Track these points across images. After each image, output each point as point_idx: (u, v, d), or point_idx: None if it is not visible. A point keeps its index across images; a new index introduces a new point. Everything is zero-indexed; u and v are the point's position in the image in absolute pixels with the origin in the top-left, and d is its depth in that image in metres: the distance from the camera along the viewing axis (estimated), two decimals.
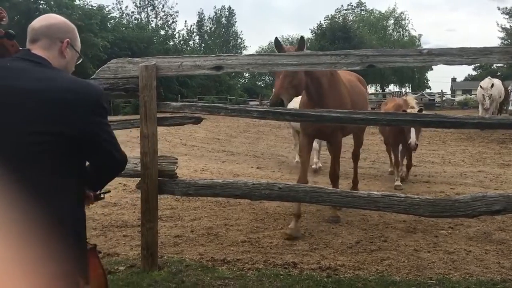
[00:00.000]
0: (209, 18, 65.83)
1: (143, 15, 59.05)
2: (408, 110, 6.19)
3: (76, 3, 36.49)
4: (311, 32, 53.41)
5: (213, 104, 4.20)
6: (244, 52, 63.41)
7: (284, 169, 9.44)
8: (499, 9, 53.81)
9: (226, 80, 47.10)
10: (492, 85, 15.77)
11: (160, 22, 59.09)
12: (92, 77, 4.07)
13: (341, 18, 55.44)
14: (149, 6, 59.25)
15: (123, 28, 43.68)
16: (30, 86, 1.67)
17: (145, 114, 3.81)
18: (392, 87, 58.04)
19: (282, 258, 4.24)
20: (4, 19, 1.95)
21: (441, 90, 43.38)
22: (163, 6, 59.91)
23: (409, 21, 66.41)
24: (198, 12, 68.57)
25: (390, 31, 64.07)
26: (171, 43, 50.39)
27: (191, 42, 61.33)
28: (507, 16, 48.90)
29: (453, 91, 59.89)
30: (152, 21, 58.85)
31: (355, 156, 6.98)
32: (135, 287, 3.61)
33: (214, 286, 3.63)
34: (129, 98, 4.34)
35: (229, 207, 6.13)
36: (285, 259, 4.21)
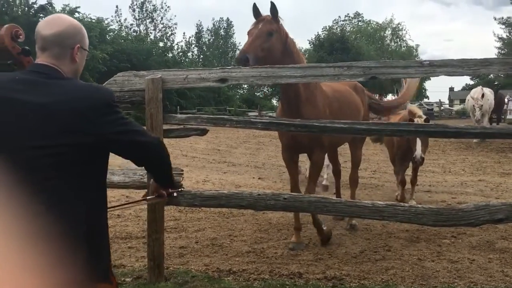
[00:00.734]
0: (208, 29, 66.18)
1: (142, 27, 59.36)
2: (416, 119, 5.90)
3: (75, 16, 36.73)
4: (309, 43, 53.79)
5: (218, 116, 4.25)
6: None
7: (286, 180, 9.44)
8: (495, 19, 54.24)
9: (225, 91, 47.18)
10: (483, 95, 15.15)
11: (159, 34, 59.40)
12: None
13: (338, 29, 55.82)
14: (148, 19, 59.57)
15: (122, 40, 43.83)
16: (40, 99, 1.68)
17: (152, 126, 3.86)
18: (391, 97, 58.23)
19: (288, 268, 4.27)
20: (21, 37, 2.00)
21: (439, 100, 43.59)
22: (161, 18, 60.00)
23: (407, 31, 67.03)
24: (197, 24, 69.09)
25: (388, 41, 64.49)
26: (170, 55, 50.56)
27: (189, 54, 61.61)
28: (503, 26, 49.39)
29: (451, 101, 60.17)
30: (151, 33, 59.14)
31: (353, 180, 6.09)
32: None
33: None
34: (135, 110, 4.39)
35: (232, 218, 6.16)
36: (290, 269, 4.24)
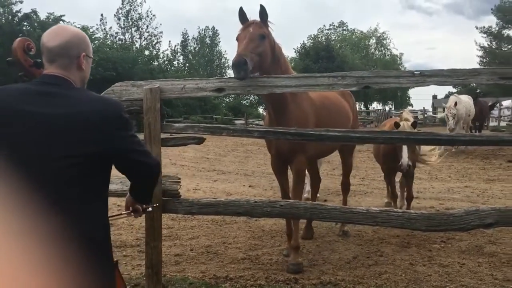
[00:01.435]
0: (193, 38, 66.37)
1: (127, 35, 59.22)
2: (402, 123, 5.60)
3: (60, 24, 36.56)
4: (295, 51, 54.19)
5: (215, 125, 4.29)
6: (229, 72, 63.86)
7: (276, 187, 9.48)
8: (477, 28, 55.18)
9: (211, 99, 47.20)
10: (456, 104, 14.61)
11: (145, 42, 59.34)
12: None
13: (324, 38, 56.35)
14: (133, 27, 59.47)
15: (107, 49, 43.67)
16: (55, 111, 1.75)
17: (150, 136, 3.91)
18: (376, 105, 58.87)
19: (283, 274, 4.34)
20: (32, 50, 2.05)
21: (423, 108, 44.17)
22: (147, 26, 59.94)
23: (391, 40, 67.88)
24: (182, 32, 69.01)
25: (372, 50, 65.31)
26: (156, 63, 50.53)
27: (175, 62, 61.70)
28: (485, 35, 50.38)
29: (434, 108, 60.95)
30: (136, 41, 59.05)
31: (345, 187, 6.12)
32: None
33: None
34: (132, 120, 4.43)
35: (225, 225, 6.22)
36: (286, 275, 4.31)
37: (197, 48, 66.18)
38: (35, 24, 34.32)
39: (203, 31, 66.50)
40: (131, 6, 59.31)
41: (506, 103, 30.24)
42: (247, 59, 3.79)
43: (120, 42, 54.41)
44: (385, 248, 5.17)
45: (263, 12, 4.14)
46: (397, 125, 5.57)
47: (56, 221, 1.65)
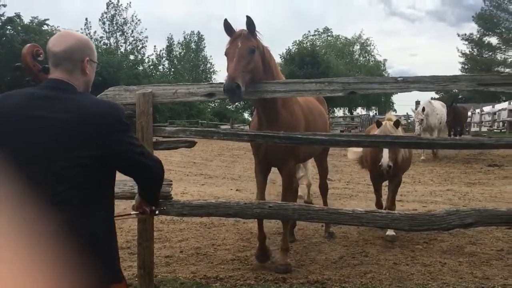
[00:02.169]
0: (179, 43, 66.31)
1: (112, 40, 59.04)
2: (384, 122, 5.57)
3: (44, 28, 36.29)
4: (280, 57, 54.45)
5: (206, 129, 4.41)
6: (214, 77, 64.03)
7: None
8: (458, 35, 56.34)
9: (196, 104, 47.22)
10: (424, 109, 14.19)
11: (130, 47, 59.20)
12: None
13: (309, 44, 56.77)
14: (118, 32, 59.31)
15: None
16: (59, 115, 1.83)
17: (143, 139, 4.01)
18: (360, 110, 59.41)
19: (272, 274, 4.46)
20: (41, 55, 2.15)
21: (407, 113, 44.67)
22: (132, 31, 59.80)
23: (374, 46, 68.42)
24: (168, 37, 68.76)
25: (357, 56, 65.99)
26: (141, 68, 50.38)
27: (160, 67, 61.51)
28: (466, 42, 51.35)
29: None
30: (121, 46, 58.87)
31: (323, 189, 6.28)
32: None
33: None
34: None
35: (214, 228, 6.32)
36: (275, 275, 4.43)
37: (182, 53, 66.13)
38: (19, 28, 34.03)
39: (188, 36, 66.52)
40: (116, 10, 59.17)
41: (487, 108, 30.85)
42: (239, 82, 3.77)
43: (105, 47, 54.14)
44: (370, 249, 5.33)
45: (250, 23, 4.06)
46: (379, 123, 5.63)
47: (55, 222, 1.73)
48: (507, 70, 45.08)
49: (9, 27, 34.06)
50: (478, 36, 50.61)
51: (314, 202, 7.36)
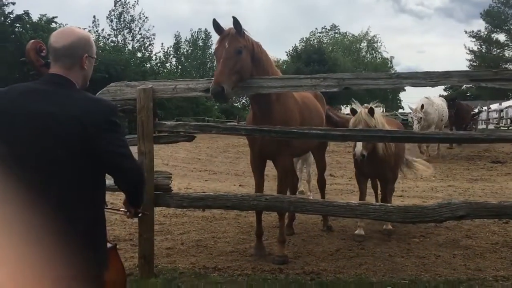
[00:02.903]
0: (186, 40, 66.35)
1: (119, 37, 59.18)
2: (359, 110, 5.27)
3: (52, 26, 36.58)
4: (287, 54, 54.45)
5: (205, 123, 4.56)
6: None
7: (266, 186, 9.76)
8: (466, 32, 55.96)
9: (203, 102, 47.34)
10: (422, 107, 13.36)
11: (137, 44, 59.30)
12: None
13: (315, 41, 56.72)
14: (126, 29, 59.47)
15: (100, 51, 43.58)
16: (49, 108, 1.91)
17: (143, 133, 4.15)
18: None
19: (269, 265, 4.59)
20: (44, 51, 2.27)
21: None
22: (139, 29, 59.90)
23: (382, 43, 67.93)
24: (175, 34, 68.52)
25: (363, 53, 65.75)
26: (148, 65, 50.55)
27: (168, 65, 61.63)
28: (474, 39, 51.07)
29: None
30: (129, 43, 59.00)
31: (321, 184, 6.45)
32: None
33: None
34: (126, 118, 4.66)
35: (215, 221, 6.46)
36: (272, 266, 4.56)
37: (189, 50, 66.25)
38: (28, 25, 34.29)
39: (195, 34, 66.60)
40: (123, 8, 59.30)
41: (494, 106, 30.74)
42: (224, 85, 3.93)
43: (112, 44, 54.35)
44: (367, 242, 5.43)
45: (236, 23, 4.19)
46: (353, 111, 5.38)
47: (44, 215, 1.75)
48: None
49: (18, 24, 34.35)
50: (486, 33, 50.33)
51: (314, 196, 7.48)
